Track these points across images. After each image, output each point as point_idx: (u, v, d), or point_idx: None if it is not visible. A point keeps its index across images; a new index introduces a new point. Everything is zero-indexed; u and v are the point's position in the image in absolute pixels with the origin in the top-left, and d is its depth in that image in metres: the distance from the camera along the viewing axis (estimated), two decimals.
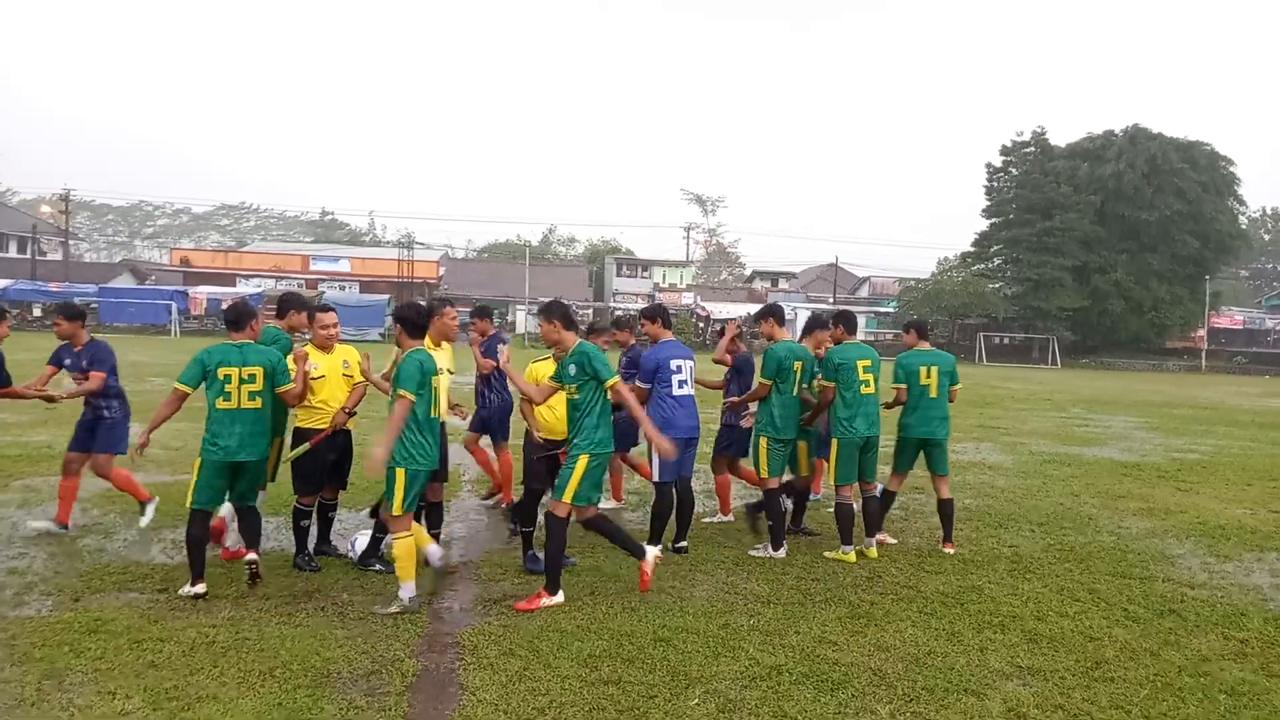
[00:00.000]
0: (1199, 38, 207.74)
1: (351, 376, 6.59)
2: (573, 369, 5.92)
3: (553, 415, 6.62)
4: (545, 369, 6.66)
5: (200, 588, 5.73)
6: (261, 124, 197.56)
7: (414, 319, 6.03)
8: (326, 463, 6.50)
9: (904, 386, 7.62)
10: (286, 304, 6.90)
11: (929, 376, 7.59)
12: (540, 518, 6.53)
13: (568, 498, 5.86)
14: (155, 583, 6.02)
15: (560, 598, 5.85)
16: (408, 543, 5.72)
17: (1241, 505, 10.26)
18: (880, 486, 7.74)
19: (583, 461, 5.88)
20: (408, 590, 5.66)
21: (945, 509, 7.69)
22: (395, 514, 5.72)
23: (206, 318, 54.72)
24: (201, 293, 55.76)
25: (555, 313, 6.11)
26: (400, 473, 5.68)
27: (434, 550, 5.98)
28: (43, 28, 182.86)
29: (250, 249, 77.32)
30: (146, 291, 57.34)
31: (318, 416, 6.46)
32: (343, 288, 61.78)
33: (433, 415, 5.90)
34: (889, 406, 7.79)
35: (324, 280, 63.12)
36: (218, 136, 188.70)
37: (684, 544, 7.23)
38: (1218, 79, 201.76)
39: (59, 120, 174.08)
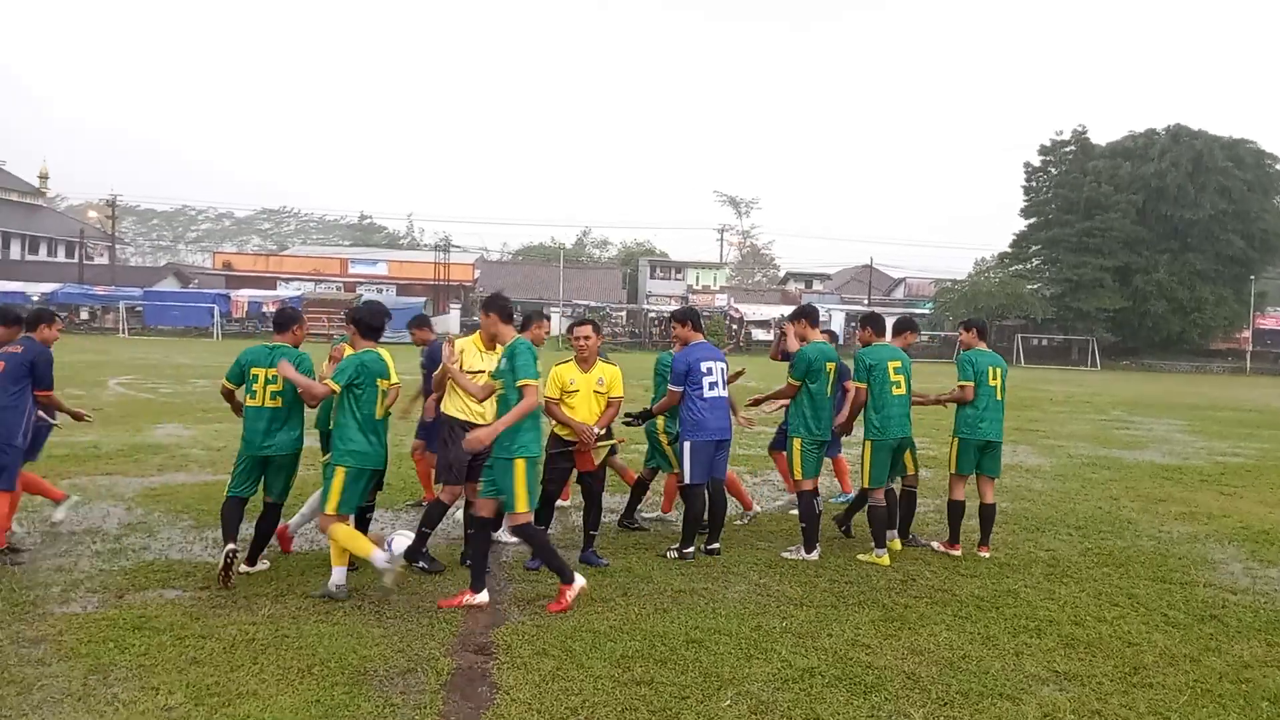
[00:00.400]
0: (1243, 33, 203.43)
1: (604, 393, 6.79)
2: (504, 363, 5.84)
3: (589, 416, 6.66)
4: (568, 372, 6.72)
5: (230, 546, 5.97)
6: (301, 130, 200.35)
7: (367, 321, 6.14)
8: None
9: (971, 385, 7.47)
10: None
11: (995, 378, 7.54)
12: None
13: (522, 507, 5.72)
14: (198, 580, 6.15)
15: (581, 582, 5.83)
16: (340, 528, 5.84)
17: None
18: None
19: (520, 467, 5.72)
20: (338, 576, 5.83)
21: (987, 513, 7.59)
22: (326, 513, 5.82)
23: (248, 320, 55.60)
24: (243, 296, 56.72)
25: (493, 306, 6.06)
26: (340, 472, 5.82)
27: (379, 556, 5.82)
28: (88, 40, 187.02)
29: (290, 253, 78.49)
30: (190, 295, 58.49)
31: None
32: (380, 290, 62.50)
33: (377, 417, 5.98)
34: (943, 402, 7.76)
35: (362, 283, 63.96)
36: (257, 144, 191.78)
37: (716, 546, 7.23)
38: (1264, 75, 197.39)
39: (104, 131, 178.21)
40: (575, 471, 6.97)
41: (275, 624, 5.37)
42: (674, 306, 63.75)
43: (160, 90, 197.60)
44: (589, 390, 6.71)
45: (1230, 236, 59.83)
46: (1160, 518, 9.42)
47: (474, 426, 6.45)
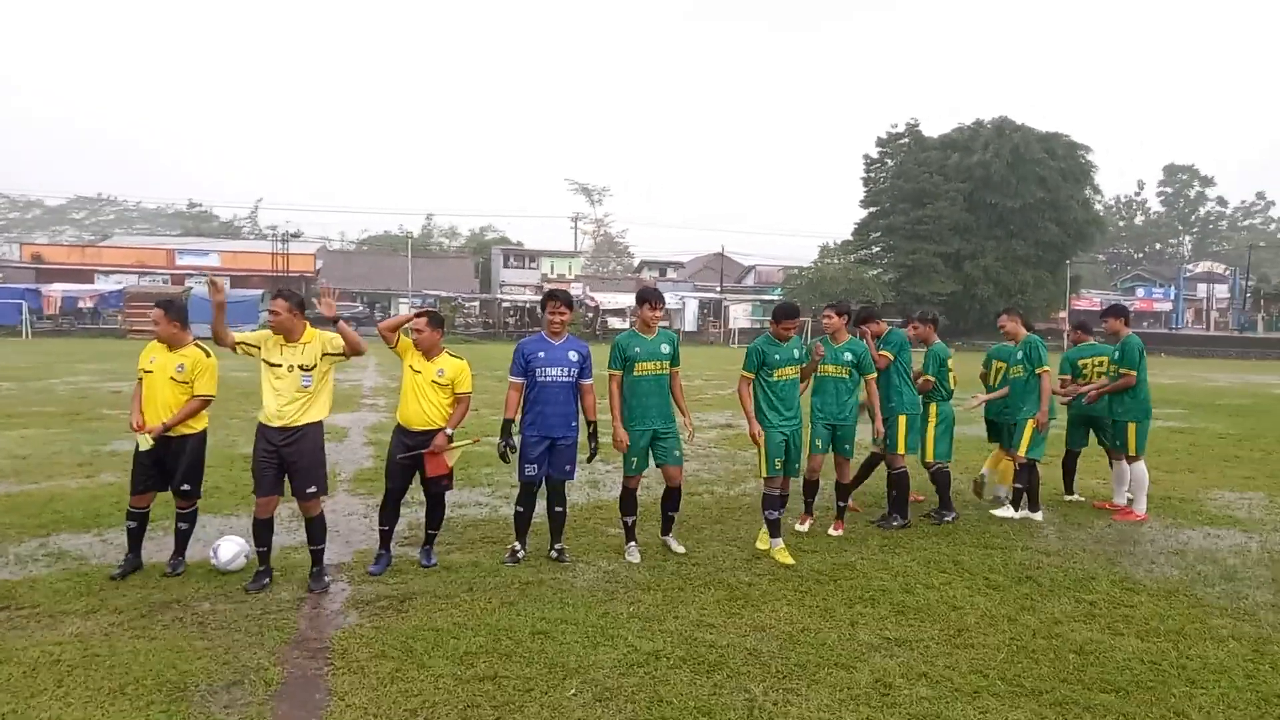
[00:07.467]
0: (1079, 29, 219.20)
1: (188, 383, 6.24)
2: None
3: (424, 404, 6.43)
4: (408, 357, 6.50)
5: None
6: (121, 113, 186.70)
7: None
8: (147, 463, 6.23)
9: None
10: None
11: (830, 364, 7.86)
12: None
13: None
14: None
15: None
16: None
17: (1095, 476, 10.89)
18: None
19: None
20: None
21: (843, 492, 7.86)
22: None
23: (62, 317, 51.33)
24: (56, 290, 52.35)
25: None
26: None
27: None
28: None
29: (110, 243, 73.11)
30: None
31: (149, 419, 6.21)
32: None
33: None
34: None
35: (191, 275, 60.17)
36: (67, 126, 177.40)
37: (562, 546, 7.16)
38: (1092, 72, 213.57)
39: None
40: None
41: (84, 642, 4.96)
42: (529, 295, 63.49)
43: None
44: (426, 380, 6.46)
45: (1047, 224, 64.52)
46: (985, 488, 10.01)
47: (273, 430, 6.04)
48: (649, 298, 6.95)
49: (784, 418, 7.03)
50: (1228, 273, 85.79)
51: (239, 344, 5.96)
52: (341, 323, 6.03)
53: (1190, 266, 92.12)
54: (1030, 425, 8.39)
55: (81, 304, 52.62)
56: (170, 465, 6.24)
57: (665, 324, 7.18)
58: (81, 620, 5.30)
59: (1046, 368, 8.46)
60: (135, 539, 6.29)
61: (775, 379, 7.04)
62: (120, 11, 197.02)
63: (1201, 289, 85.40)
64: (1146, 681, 4.75)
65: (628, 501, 6.99)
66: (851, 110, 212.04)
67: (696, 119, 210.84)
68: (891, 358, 8.14)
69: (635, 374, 6.80)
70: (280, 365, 5.97)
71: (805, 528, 7.78)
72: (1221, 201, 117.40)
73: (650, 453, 6.89)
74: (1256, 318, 74.11)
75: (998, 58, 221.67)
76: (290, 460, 5.95)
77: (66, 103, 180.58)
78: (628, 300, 62.24)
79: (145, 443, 6.11)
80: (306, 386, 6.01)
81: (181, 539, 6.40)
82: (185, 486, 6.32)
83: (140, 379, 6.30)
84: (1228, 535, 8.05)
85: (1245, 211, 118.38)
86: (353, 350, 6.03)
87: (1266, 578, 6.70)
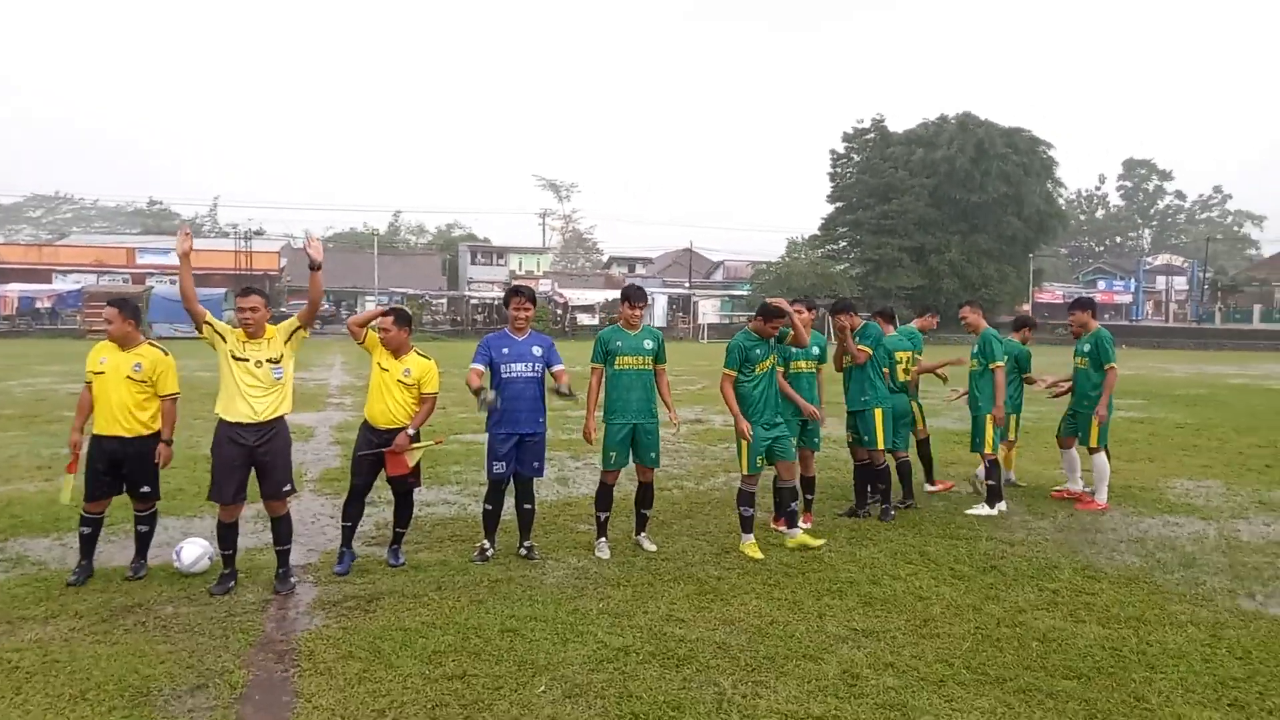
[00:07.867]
0: (1045, 26, 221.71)
1: (147, 382, 6.08)
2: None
3: (389, 402, 6.39)
4: (376, 354, 6.50)
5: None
6: (80, 109, 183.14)
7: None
8: (102, 468, 6.06)
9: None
10: None
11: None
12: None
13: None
14: None
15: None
16: None
17: (1058, 466, 11.03)
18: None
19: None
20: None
21: (808, 485, 8.01)
22: None
23: (19, 318, 50.29)
24: (12, 290, 51.32)
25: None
26: None
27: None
28: None
29: (68, 242, 71.74)
30: None
31: (102, 421, 6.05)
32: (174, 281, 58.13)
33: None
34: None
35: (152, 274, 59.20)
36: (22, 123, 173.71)
37: (531, 544, 7.13)
38: (1054, 68, 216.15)
39: None
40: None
41: (43, 648, 4.87)
42: (497, 293, 63.20)
43: None
44: (393, 379, 6.40)
45: (1010, 218, 65.32)
46: (951, 479, 10.14)
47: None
48: (629, 296, 6.99)
49: (768, 414, 7.04)
50: (1186, 265, 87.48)
51: (208, 323, 5.90)
52: (319, 272, 6.00)
53: (1149, 259, 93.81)
54: (990, 422, 8.45)
55: (39, 304, 51.66)
56: (127, 469, 6.10)
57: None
58: (40, 626, 5.21)
59: (999, 363, 8.53)
60: (88, 545, 6.15)
61: (757, 372, 7.08)
62: (73, 4, 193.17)
63: (1160, 281, 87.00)
64: (1107, 667, 4.83)
65: (603, 497, 6.99)
66: (822, 106, 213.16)
67: (669, 115, 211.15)
68: (870, 352, 8.23)
69: (616, 367, 6.83)
70: (248, 360, 5.88)
71: (811, 533, 7.73)
72: (1180, 195, 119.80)
73: (630, 449, 6.89)
74: (1214, 309, 75.63)
75: (966, 55, 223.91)
76: (264, 460, 5.89)
77: (35, 97, 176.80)
78: (597, 297, 62.21)
79: (66, 495, 6.19)
80: (279, 379, 5.96)
81: (142, 541, 6.29)
82: (144, 488, 6.20)
83: (89, 383, 6.12)
84: (1186, 523, 8.21)
85: (1203, 205, 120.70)
86: (313, 304, 6.11)
87: (1223, 564, 6.84)
